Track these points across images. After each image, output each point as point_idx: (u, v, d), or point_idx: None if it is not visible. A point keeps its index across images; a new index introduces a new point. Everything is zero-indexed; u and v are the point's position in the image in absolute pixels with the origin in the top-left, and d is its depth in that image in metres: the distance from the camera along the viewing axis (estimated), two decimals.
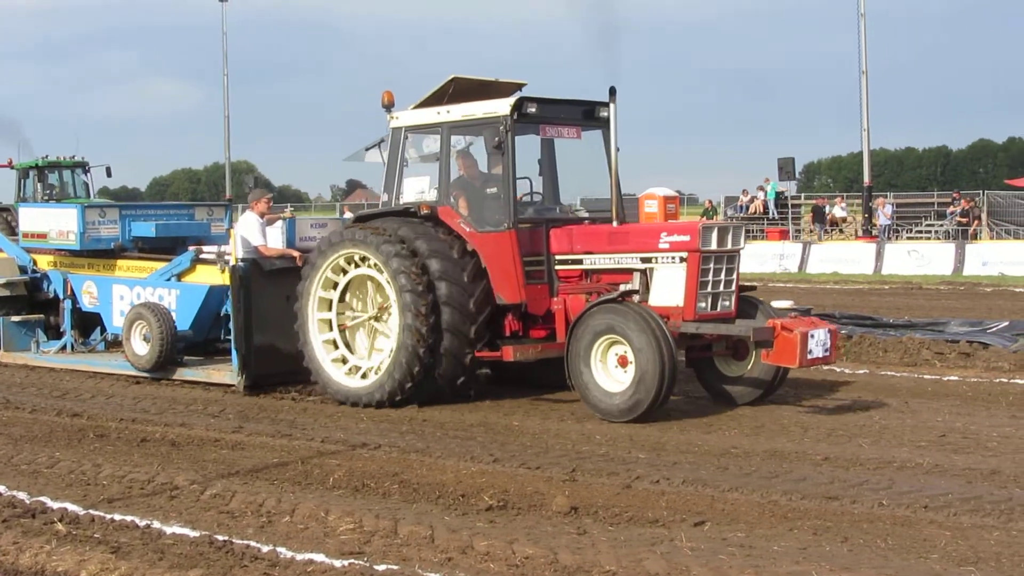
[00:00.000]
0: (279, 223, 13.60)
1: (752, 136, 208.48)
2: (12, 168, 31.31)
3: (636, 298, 10.89)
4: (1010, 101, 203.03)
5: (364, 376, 11.68)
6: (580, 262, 11.51)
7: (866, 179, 41.58)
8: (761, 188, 46.05)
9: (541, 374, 11.97)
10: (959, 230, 38.19)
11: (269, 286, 12.46)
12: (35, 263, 15.14)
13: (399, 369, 11.21)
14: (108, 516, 7.41)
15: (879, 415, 10.73)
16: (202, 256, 13.55)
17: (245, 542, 6.77)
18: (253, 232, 12.92)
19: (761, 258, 33.17)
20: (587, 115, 11.94)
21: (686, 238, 10.78)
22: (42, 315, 15.19)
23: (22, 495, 8.01)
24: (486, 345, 11.36)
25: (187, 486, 8.22)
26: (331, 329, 11.97)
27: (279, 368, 12.36)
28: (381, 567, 6.29)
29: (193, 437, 10.15)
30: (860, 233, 40.68)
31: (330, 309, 11.96)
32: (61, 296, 14.76)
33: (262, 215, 13.15)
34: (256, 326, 12.27)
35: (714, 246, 10.75)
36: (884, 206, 40.81)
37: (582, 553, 6.50)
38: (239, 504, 7.71)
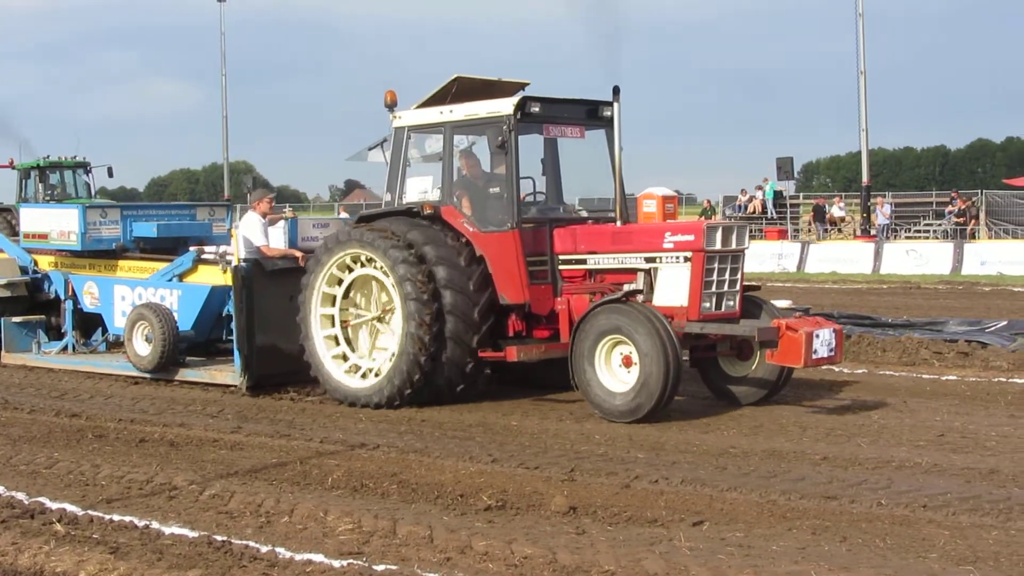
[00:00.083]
0: (281, 223, 13.60)
1: (751, 136, 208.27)
2: (13, 168, 31.28)
3: (640, 298, 10.86)
4: (1008, 101, 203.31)
5: (364, 376, 11.66)
6: (584, 262, 11.48)
7: (864, 179, 41.63)
8: (759, 188, 46.04)
9: (544, 374, 11.96)
10: (957, 229, 38.21)
11: (271, 286, 12.44)
12: (36, 264, 15.11)
13: (399, 375, 11.19)
14: (107, 516, 7.41)
15: (878, 415, 10.73)
16: (204, 256, 13.54)
17: (244, 542, 6.77)
18: (255, 232, 12.90)
19: (759, 258, 33.11)
20: (591, 114, 11.92)
21: (690, 238, 10.74)
22: (43, 316, 15.14)
23: (21, 495, 8.01)
24: (490, 345, 11.34)
25: (186, 486, 8.22)
26: (333, 325, 11.95)
27: (281, 368, 12.35)
28: (380, 567, 6.30)
29: (192, 437, 10.15)
30: (858, 233, 40.68)
31: (333, 305, 11.93)
32: (62, 297, 14.72)
33: (264, 215, 13.13)
34: (258, 326, 12.26)
35: (718, 246, 10.72)
36: (882, 206, 40.83)
37: (581, 553, 6.50)
38: (238, 504, 7.71)
